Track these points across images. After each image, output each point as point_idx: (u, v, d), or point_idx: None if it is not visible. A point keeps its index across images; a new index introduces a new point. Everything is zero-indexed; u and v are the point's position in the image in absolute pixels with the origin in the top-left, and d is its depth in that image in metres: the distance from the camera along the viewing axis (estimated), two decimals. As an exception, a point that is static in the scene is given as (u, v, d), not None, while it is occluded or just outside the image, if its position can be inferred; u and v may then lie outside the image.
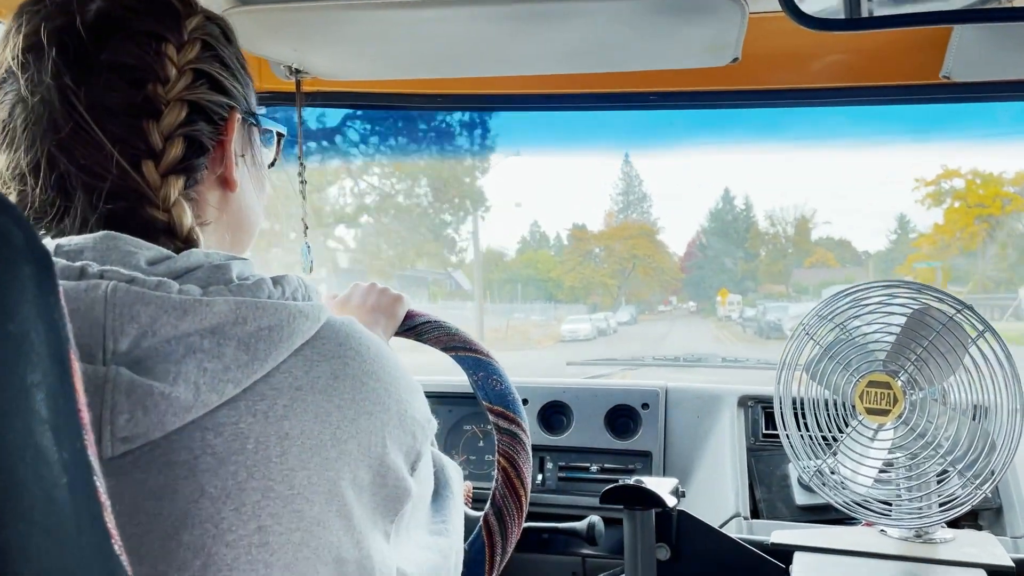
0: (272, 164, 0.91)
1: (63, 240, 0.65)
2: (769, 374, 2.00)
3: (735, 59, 1.38)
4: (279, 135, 0.89)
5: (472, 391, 1.09)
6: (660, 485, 1.17)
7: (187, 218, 0.69)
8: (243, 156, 0.78)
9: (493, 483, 1.05)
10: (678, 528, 1.22)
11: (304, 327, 0.65)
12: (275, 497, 0.59)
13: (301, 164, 1.54)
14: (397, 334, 1.13)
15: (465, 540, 1.00)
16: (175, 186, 0.69)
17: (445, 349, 1.10)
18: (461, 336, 1.10)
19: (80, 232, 0.68)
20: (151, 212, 0.68)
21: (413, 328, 1.12)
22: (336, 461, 0.62)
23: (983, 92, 1.53)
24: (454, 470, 0.98)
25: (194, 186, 0.72)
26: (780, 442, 1.68)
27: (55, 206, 0.69)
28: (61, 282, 0.59)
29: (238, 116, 0.75)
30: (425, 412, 0.74)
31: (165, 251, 0.65)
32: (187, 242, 0.69)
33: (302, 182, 1.52)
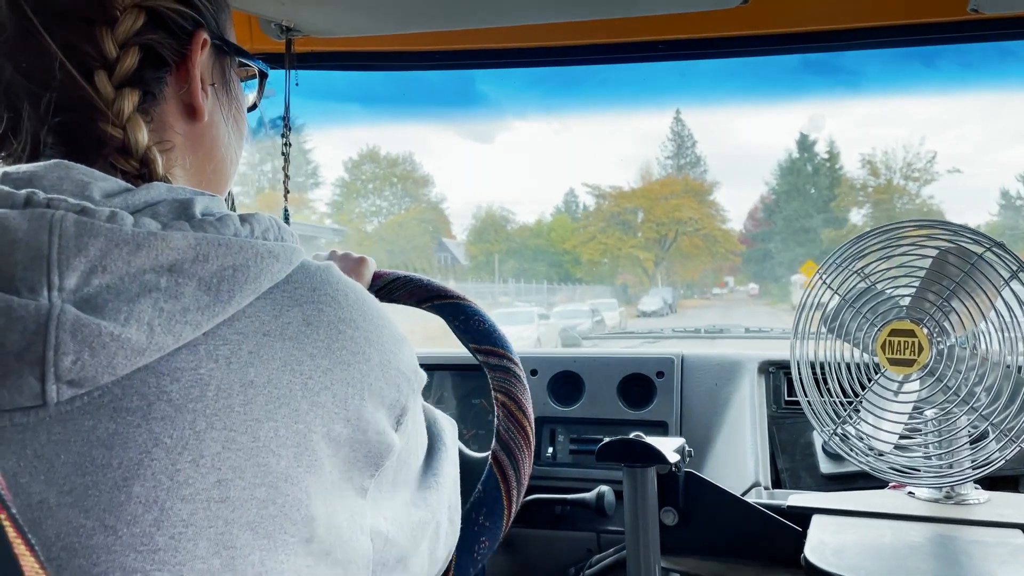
0: (254, 107, 0.86)
1: (12, 168, 0.61)
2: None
3: (744, 0, 1.30)
4: (262, 74, 0.84)
5: (459, 341, 1.04)
6: (665, 444, 1.09)
7: (142, 135, 0.64)
8: (213, 85, 0.73)
9: (495, 420, 1.01)
10: (686, 491, 1.14)
11: (273, 268, 0.60)
12: (237, 449, 0.54)
13: (286, 127, 1.49)
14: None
15: (478, 481, 0.98)
16: (130, 99, 0.64)
17: (420, 303, 1.06)
18: (434, 286, 1.05)
19: (33, 150, 0.65)
20: (104, 127, 0.63)
21: (384, 287, 1.08)
22: (307, 413, 0.58)
23: (1013, 28, 1.42)
24: (447, 422, 0.93)
25: (153, 105, 0.67)
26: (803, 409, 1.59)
27: (1, 121, 0.65)
28: (1, 210, 0.55)
29: (205, 36, 0.70)
30: (411, 363, 0.69)
31: (123, 183, 0.60)
32: (143, 163, 0.64)
33: (286, 144, 1.47)
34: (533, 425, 1.00)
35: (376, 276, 1.09)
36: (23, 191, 0.56)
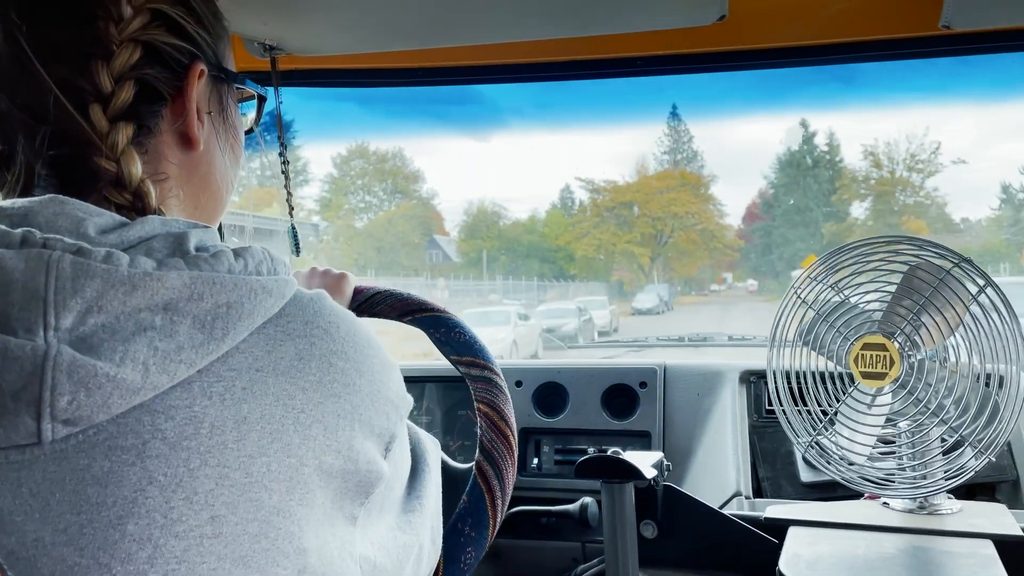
0: (250, 131, 0.87)
1: (7, 203, 0.61)
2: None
3: (722, 16, 1.32)
4: (260, 98, 0.84)
5: (441, 354, 1.06)
6: (643, 459, 1.11)
7: (136, 168, 0.65)
8: (210, 114, 0.73)
9: (478, 431, 1.03)
10: (664, 504, 1.16)
11: (267, 304, 0.60)
12: (231, 485, 0.55)
13: (282, 145, 1.50)
14: (351, 310, 1.10)
15: (463, 492, 0.99)
16: (124, 133, 0.64)
17: (400, 316, 1.07)
18: (414, 299, 1.07)
19: (27, 182, 0.65)
20: (98, 161, 0.64)
21: (364, 302, 1.09)
22: (299, 447, 0.58)
23: (985, 43, 1.45)
24: (430, 442, 0.94)
25: (148, 137, 0.68)
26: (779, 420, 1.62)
27: None
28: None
29: (201, 67, 0.70)
30: (399, 390, 0.70)
31: (118, 218, 0.61)
32: (137, 196, 0.65)
33: (284, 162, 1.48)
34: (516, 435, 1.01)
35: (357, 291, 1.10)
36: (19, 230, 0.57)
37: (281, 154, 1.48)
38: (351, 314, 0.69)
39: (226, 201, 0.80)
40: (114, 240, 0.58)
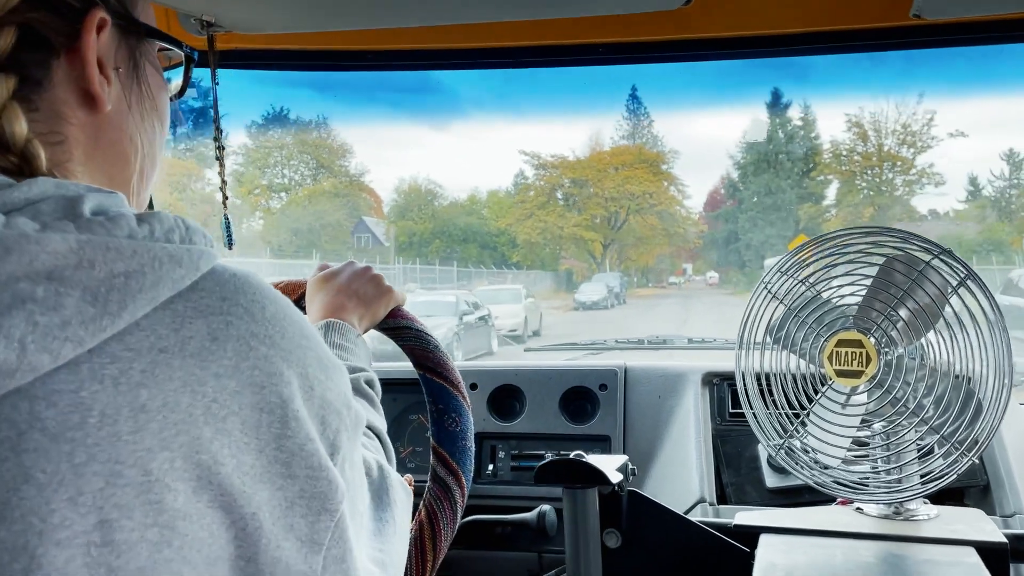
0: (180, 94, 0.79)
1: None
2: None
3: (687, 1, 1.25)
4: (187, 59, 0.76)
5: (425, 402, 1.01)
6: (607, 462, 1.03)
7: (20, 125, 0.56)
8: (118, 71, 0.65)
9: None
10: (629, 511, 1.08)
11: (174, 275, 0.52)
12: (124, 485, 0.46)
13: (217, 128, 1.39)
14: (376, 328, 1.05)
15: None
16: (4, 85, 0.56)
17: (416, 364, 1.00)
18: (438, 357, 1.00)
19: None
20: None
21: (392, 329, 1.03)
22: (211, 442, 0.50)
23: (956, 33, 1.41)
24: (402, 490, 0.82)
25: (38, 92, 0.59)
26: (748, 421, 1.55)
27: None
28: None
29: (102, 15, 0.61)
30: (343, 395, 0.61)
31: (2, 178, 0.52)
32: (24, 158, 0.56)
33: (219, 148, 1.37)
34: (438, 563, 0.93)
35: (392, 314, 1.04)
36: None
37: (216, 139, 1.37)
38: (283, 299, 0.59)
39: (148, 175, 0.71)
40: None
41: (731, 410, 1.61)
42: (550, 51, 1.56)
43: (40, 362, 0.46)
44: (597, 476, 0.96)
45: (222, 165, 1.37)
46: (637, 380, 1.67)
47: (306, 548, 0.55)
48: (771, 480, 1.49)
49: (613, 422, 1.63)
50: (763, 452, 1.53)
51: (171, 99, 0.76)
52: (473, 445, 0.98)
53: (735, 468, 1.54)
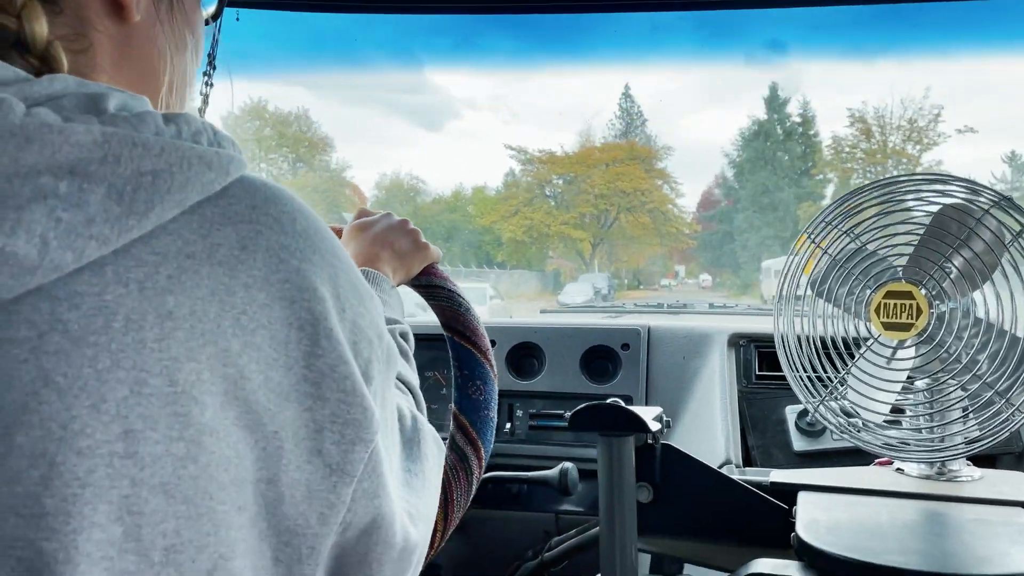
0: (215, 16, 0.78)
1: None
2: (762, 319, 1.83)
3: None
4: None
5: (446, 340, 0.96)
6: (643, 412, 0.99)
7: (41, 26, 0.52)
8: None
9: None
10: (662, 464, 1.04)
11: (204, 178, 0.48)
12: (149, 394, 0.44)
13: (211, 66, 1.32)
14: (409, 284, 1.00)
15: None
16: None
17: (445, 325, 0.95)
18: (469, 320, 0.94)
19: None
20: None
21: (425, 287, 0.98)
22: (239, 356, 0.47)
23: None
24: (435, 445, 0.76)
25: None
26: (775, 384, 1.51)
27: None
28: None
29: None
30: (376, 325, 0.57)
31: (22, 72, 0.49)
32: (45, 61, 0.52)
33: (207, 84, 1.30)
34: (444, 541, 0.87)
35: (426, 271, 0.99)
36: None
37: (207, 74, 1.30)
38: (315, 216, 0.56)
39: (180, 90, 0.66)
40: (13, 93, 0.45)
41: (758, 372, 1.56)
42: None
43: (63, 260, 0.42)
44: (637, 423, 0.91)
45: (206, 103, 1.30)
46: (661, 340, 1.63)
47: (336, 476, 0.51)
48: (799, 443, 1.45)
49: (636, 382, 1.59)
50: (791, 415, 1.49)
51: (206, 22, 0.73)
52: (495, 416, 0.93)
53: (761, 431, 1.50)
